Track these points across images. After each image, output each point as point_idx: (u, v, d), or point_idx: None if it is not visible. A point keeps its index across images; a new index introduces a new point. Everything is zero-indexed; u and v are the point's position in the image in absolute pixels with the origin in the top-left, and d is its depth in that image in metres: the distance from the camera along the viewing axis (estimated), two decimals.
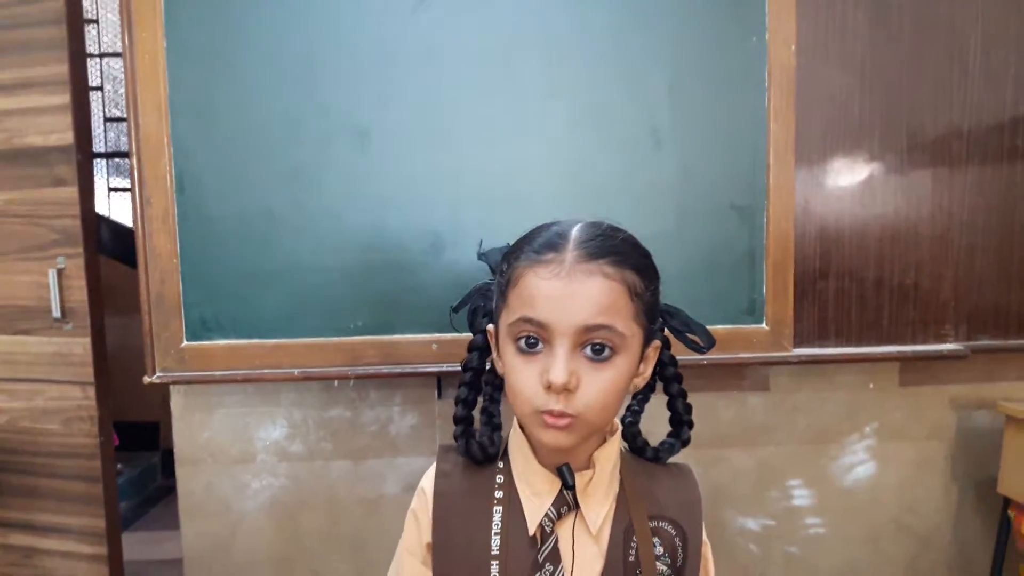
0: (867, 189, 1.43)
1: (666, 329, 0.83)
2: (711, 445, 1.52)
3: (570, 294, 0.70)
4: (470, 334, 0.87)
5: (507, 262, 0.77)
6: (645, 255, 0.77)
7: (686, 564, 0.80)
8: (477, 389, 0.87)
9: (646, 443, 0.87)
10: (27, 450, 1.56)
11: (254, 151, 1.33)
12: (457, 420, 0.85)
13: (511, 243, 0.81)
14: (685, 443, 0.87)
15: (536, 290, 0.71)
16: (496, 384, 0.89)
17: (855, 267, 1.44)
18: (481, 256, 0.90)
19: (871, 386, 1.52)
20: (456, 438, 0.84)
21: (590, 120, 1.34)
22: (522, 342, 0.72)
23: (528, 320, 0.71)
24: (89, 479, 1.55)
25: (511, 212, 1.34)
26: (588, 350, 0.70)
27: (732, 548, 1.55)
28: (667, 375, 0.86)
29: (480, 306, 0.87)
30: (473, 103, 1.34)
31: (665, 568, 0.78)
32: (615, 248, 0.72)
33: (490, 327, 0.82)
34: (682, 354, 1.34)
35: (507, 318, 0.74)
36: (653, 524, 0.79)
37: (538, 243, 0.74)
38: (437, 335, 1.36)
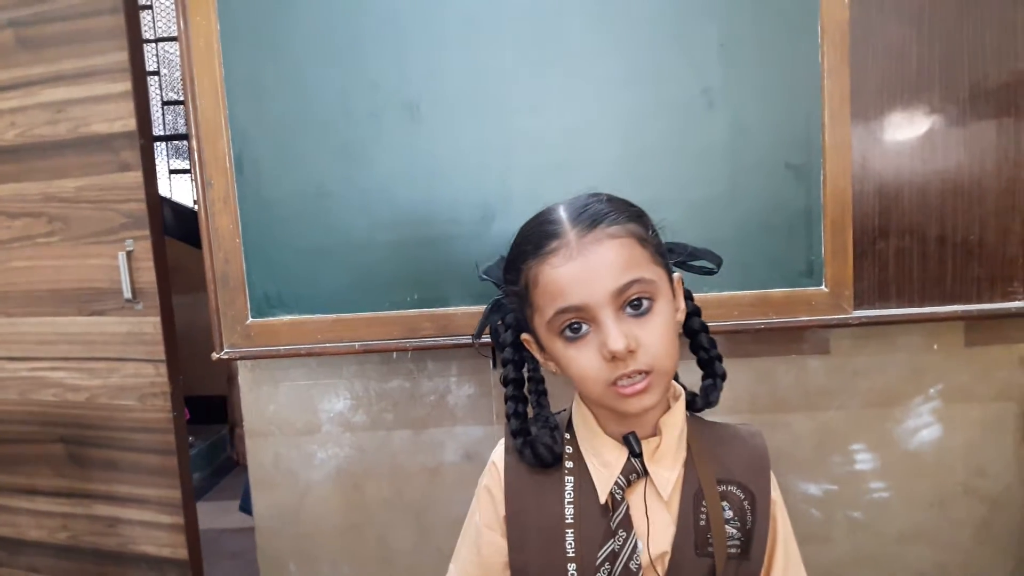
0: (927, 143, 1.38)
1: (674, 266, 0.84)
2: (771, 410, 1.50)
3: (590, 268, 0.71)
4: (496, 346, 0.89)
5: (514, 270, 0.79)
6: (631, 204, 0.78)
7: (755, 526, 0.80)
8: (523, 400, 0.89)
9: (693, 393, 0.87)
10: (106, 425, 1.64)
11: (307, 129, 1.36)
12: (515, 433, 0.86)
13: (504, 255, 0.83)
14: (723, 377, 0.87)
15: (558, 279, 0.72)
16: (540, 389, 0.90)
17: (916, 224, 1.39)
18: (483, 277, 0.90)
19: (935, 347, 1.48)
20: (520, 451, 0.85)
21: (640, 82, 1.33)
22: (567, 332, 0.73)
23: (564, 310, 0.72)
24: (164, 452, 1.62)
25: (560, 179, 1.34)
26: (629, 309, 0.72)
27: (794, 513, 1.51)
28: (687, 310, 0.85)
29: (499, 322, 0.88)
30: (520, 70, 1.34)
31: (735, 531, 0.80)
32: (606, 210, 0.74)
33: (524, 336, 0.83)
34: (740, 319, 1.34)
35: (542, 319, 0.75)
36: (721, 488, 0.80)
37: (536, 238, 0.75)
38: None
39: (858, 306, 1.38)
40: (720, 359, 0.87)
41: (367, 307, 1.40)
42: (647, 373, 0.71)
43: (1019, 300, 1.40)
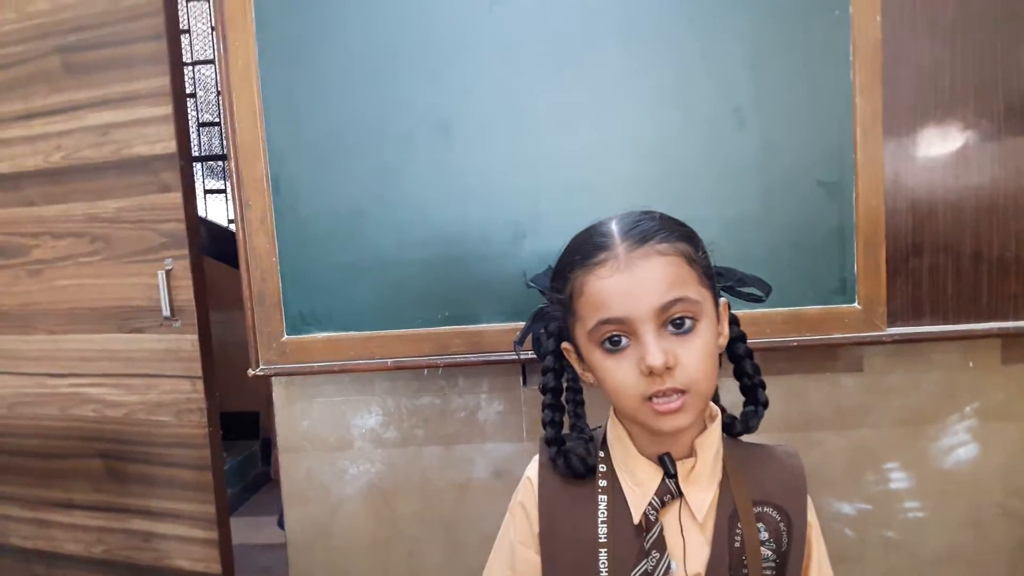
0: (961, 159, 1.37)
1: (722, 290, 0.85)
2: (803, 428, 1.49)
3: (636, 283, 0.72)
4: (537, 355, 0.91)
5: (561, 279, 0.80)
6: (683, 224, 0.79)
7: (790, 549, 0.80)
8: (560, 408, 0.90)
9: (733, 417, 0.87)
10: (143, 440, 1.67)
11: (342, 150, 1.39)
12: (550, 442, 0.88)
13: (552, 265, 0.84)
14: (764, 405, 0.87)
15: (603, 291, 0.73)
16: (577, 400, 0.91)
17: (950, 241, 1.38)
18: (530, 284, 0.92)
19: (971, 364, 1.47)
20: (553, 460, 0.86)
21: (670, 101, 1.34)
22: (607, 344, 0.74)
23: (606, 321, 0.73)
24: (199, 467, 1.64)
25: (590, 198, 1.35)
26: (671, 327, 0.72)
27: (827, 532, 1.49)
28: (732, 335, 0.86)
29: (542, 332, 0.90)
30: (551, 91, 1.35)
31: (770, 553, 0.79)
32: (658, 227, 0.75)
33: (565, 345, 0.84)
34: (772, 336, 1.34)
35: (583, 328, 0.76)
36: (757, 509, 0.80)
37: (586, 249, 0.76)
38: (521, 323, 1.38)
39: (892, 323, 1.37)
40: (763, 386, 0.87)
41: (399, 324, 1.41)
42: (682, 393, 0.71)
43: None
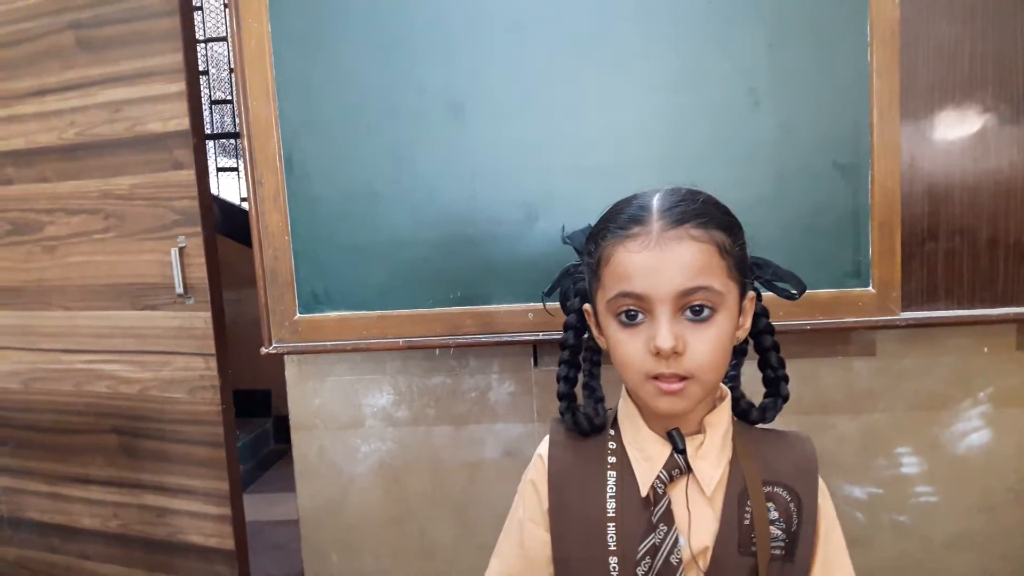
0: (979, 143, 1.36)
1: (756, 283, 0.84)
2: (815, 411, 1.49)
3: (663, 263, 0.71)
4: (563, 310, 0.90)
5: (594, 243, 0.79)
6: (727, 212, 0.77)
7: (800, 529, 0.80)
8: (576, 366, 0.90)
9: (751, 404, 0.87)
10: (157, 417, 1.69)
11: (355, 129, 1.39)
12: (561, 396, 0.88)
13: (592, 224, 0.83)
14: (785, 399, 0.86)
15: (629, 264, 0.73)
16: (594, 360, 0.91)
17: (966, 225, 1.37)
18: (566, 240, 0.91)
19: (985, 350, 1.46)
20: (562, 414, 0.87)
21: (685, 82, 1.33)
22: (623, 316, 0.74)
23: (626, 294, 0.72)
24: (212, 444, 1.66)
25: (602, 181, 1.34)
26: (688, 312, 0.72)
27: (839, 516, 1.51)
28: (760, 327, 0.86)
29: (570, 287, 0.90)
30: (564, 72, 1.35)
31: (780, 532, 0.79)
32: (698, 211, 0.73)
33: (586, 307, 0.84)
34: (785, 320, 1.33)
35: (604, 296, 0.76)
36: (768, 489, 0.80)
37: (622, 219, 0.75)
38: (533, 304, 1.39)
39: (906, 307, 1.36)
40: (787, 380, 0.87)
41: (411, 304, 1.42)
42: (685, 379, 0.72)
43: None
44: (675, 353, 0.70)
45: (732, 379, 0.90)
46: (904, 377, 1.48)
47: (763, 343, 0.86)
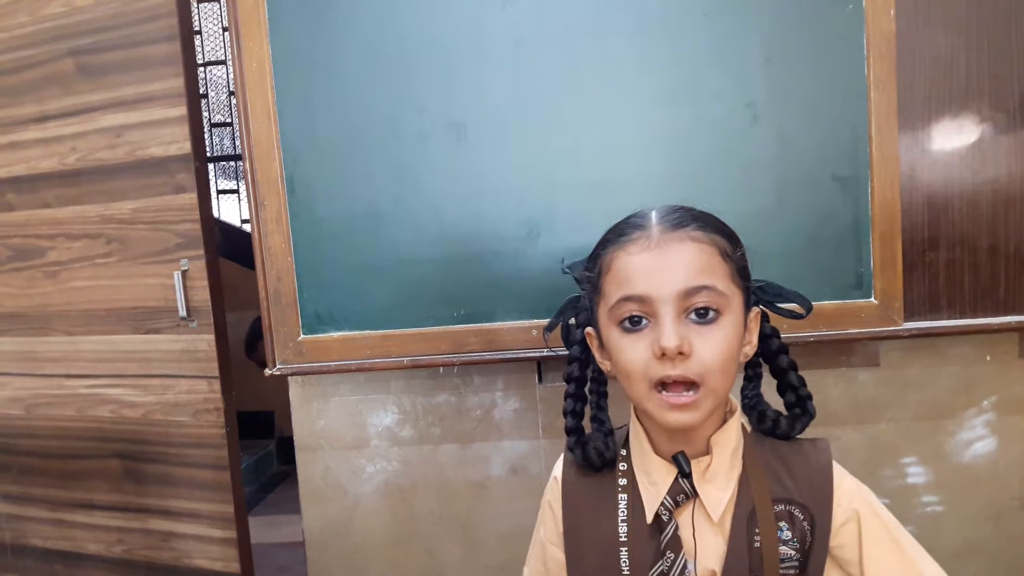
0: (977, 153, 1.37)
1: (762, 307, 0.83)
2: (819, 423, 1.46)
3: (664, 262, 0.71)
4: (565, 344, 0.90)
5: (593, 257, 0.79)
6: (724, 224, 0.77)
7: (813, 547, 0.78)
8: (583, 399, 0.89)
9: (778, 414, 0.84)
10: (161, 441, 1.69)
11: (357, 150, 1.39)
12: (569, 431, 0.87)
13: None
14: (812, 416, 0.84)
15: (630, 267, 0.72)
16: (600, 391, 0.90)
17: (966, 235, 1.38)
18: (566, 270, 0.91)
19: (988, 358, 1.46)
20: (571, 449, 0.86)
21: (684, 97, 1.34)
22: (626, 322, 0.73)
23: (628, 298, 0.72)
24: (217, 467, 1.65)
25: (604, 196, 1.35)
26: (693, 315, 0.70)
27: None
28: (772, 348, 0.84)
29: (572, 321, 0.89)
30: (564, 89, 1.35)
31: (793, 552, 0.77)
32: (696, 216, 0.74)
33: (588, 330, 0.83)
34: (788, 332, 1.33)
35: (606, 305, 0.75)
36: (779, 508, 0.78)
37: (620, 229, 0.76)
38: (536, 321, 1.39)
39: (908, 318, 1.37)
40: (811, 398, 0.84)
41: (415, 323, 1.41)
42: (695, 387, 0.70)
43: None
44: (681, 354, 0.68)
45: (753, 398, 0.88)
46: (908, 387, 1.48)
47: (779, 364, 0.85)
